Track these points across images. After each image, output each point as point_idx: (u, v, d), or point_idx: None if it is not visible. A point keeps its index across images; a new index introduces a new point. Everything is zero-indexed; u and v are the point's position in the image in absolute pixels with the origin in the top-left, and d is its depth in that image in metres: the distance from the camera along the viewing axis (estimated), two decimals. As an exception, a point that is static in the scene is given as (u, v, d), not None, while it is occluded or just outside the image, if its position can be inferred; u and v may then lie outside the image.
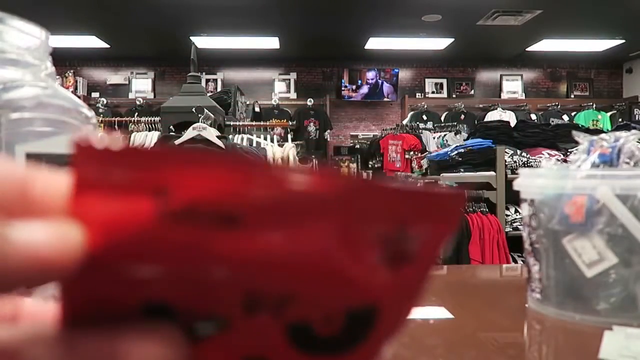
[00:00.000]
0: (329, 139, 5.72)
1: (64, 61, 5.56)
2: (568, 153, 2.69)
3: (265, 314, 0.15)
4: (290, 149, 2.49)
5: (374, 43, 5.20)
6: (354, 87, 5.92)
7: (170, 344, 0.14)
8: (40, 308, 0.16)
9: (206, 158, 0.14)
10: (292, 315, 0.15)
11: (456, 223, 0.16)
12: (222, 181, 0.13)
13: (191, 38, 4.50)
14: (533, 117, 5.46)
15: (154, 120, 3.09)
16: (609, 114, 5.63)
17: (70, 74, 5.64)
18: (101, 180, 0.13)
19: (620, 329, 0.53)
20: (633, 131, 0.64)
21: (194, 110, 2.32)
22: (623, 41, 5.08)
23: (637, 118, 5.49)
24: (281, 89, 5.94)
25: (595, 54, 5.60)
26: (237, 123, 2.93)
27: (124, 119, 3.33)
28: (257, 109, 5.41)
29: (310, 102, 5.71)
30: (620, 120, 5.39)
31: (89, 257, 0.13)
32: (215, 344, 0.15)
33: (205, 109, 2.29)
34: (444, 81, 6.05)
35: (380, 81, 5.90)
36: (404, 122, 5.30)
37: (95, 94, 5.74)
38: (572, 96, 6.04)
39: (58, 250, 0.12)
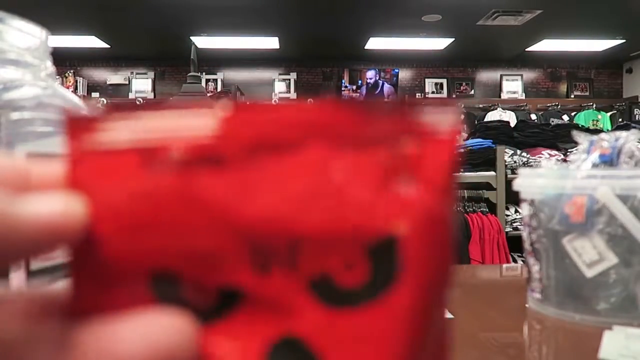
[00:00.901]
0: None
1: (64, 61, 5.55)
2: (568, 153, 2.69)
3: (280, 273, 0.13)
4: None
5: (374, 43, 5.19)
6: (354, 87, 5.92)
7: (177, 327, 0.13)
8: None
9: (183, 106, 0.14)
10: (309, 267, 0.13)
11: (456, 138, 0.14)
12: (200, 125, 0.13)
13: (191, 38, 4.50)
14: (533, 117, 5.46)
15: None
16: (609, 114, 5.63)
17: (70, 74, 5.63)
18: (91, 149, 0.14)
19: (620, 329, 0.53)
20: (633, 131, 0.64)
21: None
22: (623, 41, 5.08)
23: (637, 118, 5.49)
24: (281, 89, 5.94)
25: (595, 54, 5.60)
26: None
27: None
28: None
29: (310, 102, 5.70)
30: (620, 120, 5.38)
31: (91, 225, 0.13)
32: (236, 323, 0.14)
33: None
34: (444, 81, 6.05)
35: (380, 81, 5.90)
36: (404, 122, 5.28)
37: (95, 94, 5.74)
38: (572, 96, 6.04)
39: (62, 218, 0.13)
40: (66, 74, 5.59)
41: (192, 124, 0.13)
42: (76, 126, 0.14)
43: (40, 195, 0.13)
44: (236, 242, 0.13)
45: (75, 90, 5.49)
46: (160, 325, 0.13)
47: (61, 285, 0.15)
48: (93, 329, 0.13)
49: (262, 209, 0.13)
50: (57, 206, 0.13)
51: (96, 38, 4.99)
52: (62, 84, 5.36)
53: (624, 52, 5.53)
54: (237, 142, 0.13)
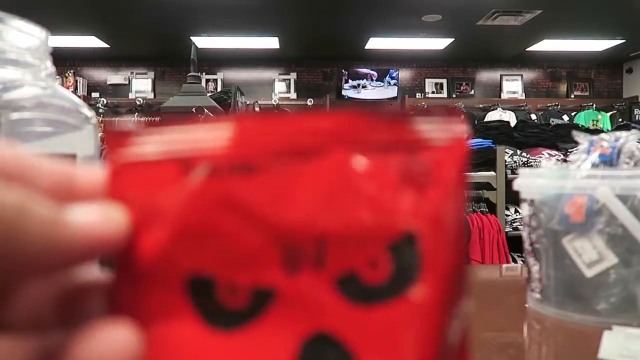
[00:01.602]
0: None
1: (64, 61, 5.55)
2: (568, 153, 2.69)
3: (308, 271, 0.14)
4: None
5: (374, 43, 5.20)
6: (354, 87, 5.92)
7: (123, 340, 0.14)
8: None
9: (214, 119, 0.15)
10: (335, 265, 0.14)
11: (464, 141, 0.15)
12: (232, 136, 0.14)
13: (191, 38, 4.50)
14: (533, 117, 5.46)
15: (154, 120, 3.12)
16: (609, 114, 5.63)
17: (70, 74, 5.63)
18: (130, 160, 0.15)
19: (619, 329, 0.53)
20: (633, 131, 0.64)
21: (194, 110, 2.32)
22: (623, 41, 5.08)
23: (637, 118, 5.48)
24: (281, 89, 5.94)
25: (595, 54, 5.60)
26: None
27: (124, 119, 3.33)
28: (257, 109, 5.42)
29: (310, 102, 5.71)
30: (620, 120, 5.38)
31: (132, 232, 0.14)
32: (269, 323, 0.14)
33: (205, 109, 2.29)
34: (444, 81, 6.05)
35: (382, 83, 5.89)
36: (404, 122, 5.28)
37: (95, 94, 5.74)
38: (572, 96, 6.04)
39: (106, 228, 0.14)
40: (66, 74, 5.59)
41: (224, 135, 0.14)
42: (115, 139, 0.15)
43: (86, 206, 0.14)
44: (268, 244, 0.14)
45: (75, 90, 5.50)
46: (106, 341, 0.13)
47: (102, 274, 0.16)
48: (71, 340, 0.14)
49: (291, 211, 0.14)
50: (101, 216, 0.14)
51: (96, 38, 4.99)
52: (62, 84, 5.36)
53: (624, 52, 5.53)
54: (267, 151, 0.14)
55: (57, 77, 0.36)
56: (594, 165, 0.62)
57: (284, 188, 0.14)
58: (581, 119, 5.53)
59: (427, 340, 0.14)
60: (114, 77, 5.88)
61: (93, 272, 0.16)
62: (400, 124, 0.15)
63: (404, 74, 6.03)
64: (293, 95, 5.95)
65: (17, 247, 0.12)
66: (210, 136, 0.14)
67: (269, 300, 0.14)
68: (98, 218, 0.14)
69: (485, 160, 2.58)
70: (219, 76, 5.85)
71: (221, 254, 0.14)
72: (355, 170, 0.14)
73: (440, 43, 5.21)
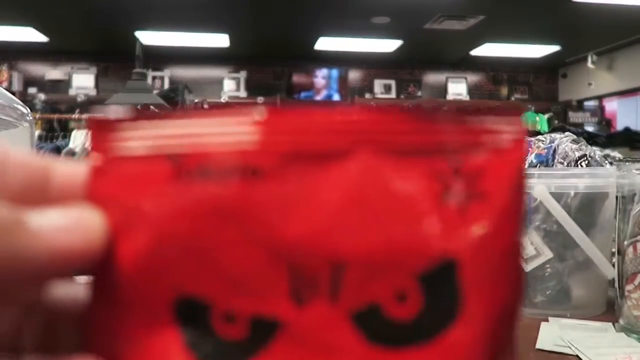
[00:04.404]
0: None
1: (-3, 54, 5.24)
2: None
3: (321, 302, 0.11)
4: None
5: (324, 43, 5.22)
6: (305, 84, 5.92)
7: None
8: None
9: (210, 113, 0.12)
10: (354, 296, 0.11)
11: (522, 147, 0.12)
12: (236, 132, 0.12)
13: (136, 33, 4.36)
14: (476, 118, 5.66)
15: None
16: (546, 116, 5.95)
17: (4, 68, 5.32)
18: (117, 155, 0.12)
19: (555, 320, 0.56)
20: (567, 133, 0.68)
21: (139, 107, 2.25)
22: (558, 48, 5.38)
23: (571, 120, 5.83)
24: (230, 87, 5.86)
25: (533, 60, 5.89)
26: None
27: (64, 115, 3.18)
28: (205, 107, 5.31)
29: (260, 101, 5.67)
30: (556, 122, 5.70)
31: (112, 243, 0.12)
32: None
33: (151, 107, 2.23)
34: (392, 82, 6.17)
35: (331, 80, 5.93)
36: (354, 122, 5.33)
37: (32, 90, 5.44)
38: (513, 99, 6.33)
39: (77, 237, 0.12)
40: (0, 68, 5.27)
41: (227, 130, 0.12)
42: (102, 130, 0.12)
43: (55, 210, 0.12)
44: (274, 266, 0.12)
45: (9, 85, 5.19)
46: None
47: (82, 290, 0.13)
48: None
49: (303, 228, 0.11)
50: (72, 223, 0.12)
51: (34, 30, 4.73)
52: (-4, 78, 5.05)
53: (559, 58, 5.85)
54: (277, 151, 0.12)
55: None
56: (532, 165, 0.65)
57: (296, 199, 0.11)
58: (521, 120, 5.79)
59: None
60: (53, 72, 5.59)
61: (76, 291, 0.14)
62: (442, 123, 0.12)
63: (354, 75, 6.09)
64: (243, 93, 5.88)
65: None
66: (213, 131, 0.12)
67: (271, 334, 0.12)
68: (68, 224, 0.11)
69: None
70: (166, 73, 5.69)
71: (217, 273, 0.12)
72: (386, 180, 0.12)
73: (389, 45, 5.31)
